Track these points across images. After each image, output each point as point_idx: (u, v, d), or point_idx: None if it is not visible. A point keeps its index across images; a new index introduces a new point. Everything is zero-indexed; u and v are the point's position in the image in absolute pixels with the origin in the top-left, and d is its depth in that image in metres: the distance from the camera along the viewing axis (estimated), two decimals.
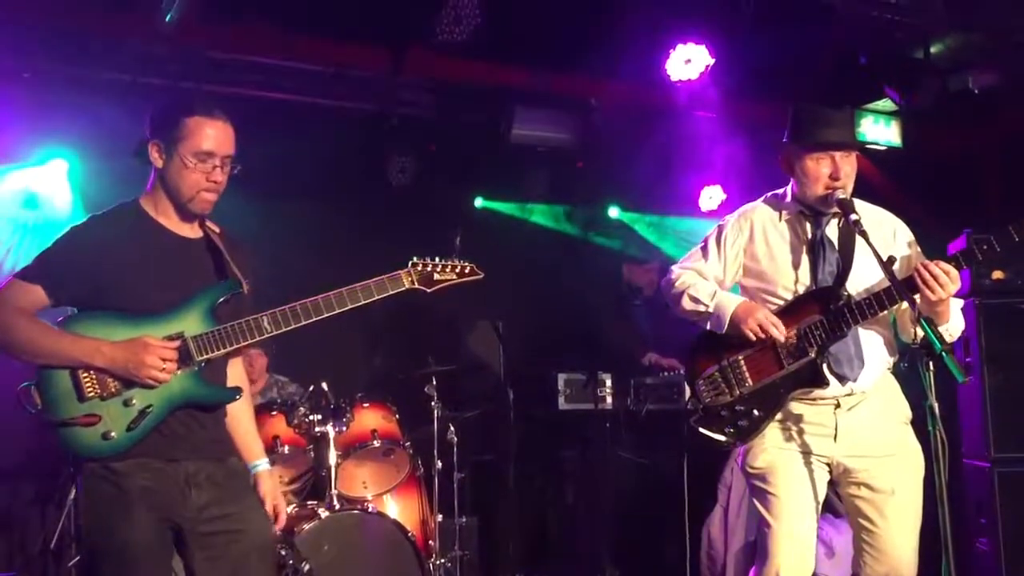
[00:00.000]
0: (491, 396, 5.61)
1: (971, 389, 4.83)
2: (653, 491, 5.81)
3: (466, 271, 3.13)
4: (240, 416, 3.07)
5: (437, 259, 3.09)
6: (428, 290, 3.05)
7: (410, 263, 3.05)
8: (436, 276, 3.07)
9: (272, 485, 3.09)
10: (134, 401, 2.72)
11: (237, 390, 2.95)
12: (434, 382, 5.26)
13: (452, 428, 5.34)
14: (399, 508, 5.28)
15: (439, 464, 5.22)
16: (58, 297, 2.77)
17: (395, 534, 4.69)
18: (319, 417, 4.78)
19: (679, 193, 6.92)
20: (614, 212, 7.30)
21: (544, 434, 6.03)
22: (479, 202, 6.95)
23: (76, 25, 5.08)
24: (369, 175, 6.28)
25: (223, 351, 2.82)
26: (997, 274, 4.86)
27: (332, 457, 4.74)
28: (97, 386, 2.71)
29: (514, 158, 6.36)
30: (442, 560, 5.17)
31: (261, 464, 3.09)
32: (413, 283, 3.03)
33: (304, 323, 2.87)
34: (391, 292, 2.98)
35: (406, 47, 5.56)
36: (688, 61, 5.42)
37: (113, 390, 2.72)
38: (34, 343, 2.71)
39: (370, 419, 5.04)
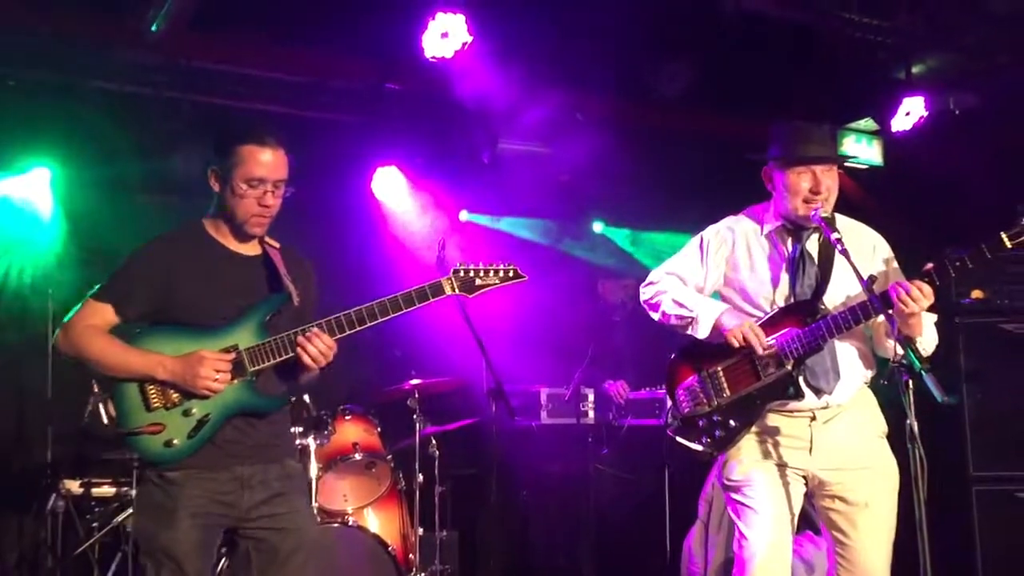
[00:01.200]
0: (473, 410, 5.60)
1: (951, 407, 4.86)
2: (634, 506, 5.81)
3: (510, 275, 3.16)
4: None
5: (479, 265, 3.12)
6: (470, 296, 3.10)
7: (452, 270, 3.09)
8: (478, 282, 3.11)
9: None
10: (194, 411, 2.94)
11: (286, 397, 3.17)
12: (416, 395, 5.25)
13: (434, 442, 5.33)
14: (380, 522, 5.26)
15: (420, 478, 5.20)
16: (126, 315, 3.00)
17: (375, 548, 4.68)
18: (300, 429, 4.77)
19: (663, 209, 6.94)
20: (598, 227, 7.33)
21: (526, 448, 6.01)
22: (463, 215, 6.96)
23: (62, 33, 5.06)
24: (353, 186, 6.29)
25: (273, 361, 2.98)
26: (977, 293, 4.91)
27: (313, 470, 4.72)
28: (161, 397, 2.94)
29: (499, 171, 6.37)
30: (422, 574, 5.15)
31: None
32: (455, 290, 3.08)
33: (349, 332, 2.99)
34: (432, 299, 3.05)
35: (392, 58, 5.56)
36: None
37: (175, 401, 2.94)
38: (105, 358, 2.95)
39: (352, 432, 5.03)
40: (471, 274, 3.10)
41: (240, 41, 5.40)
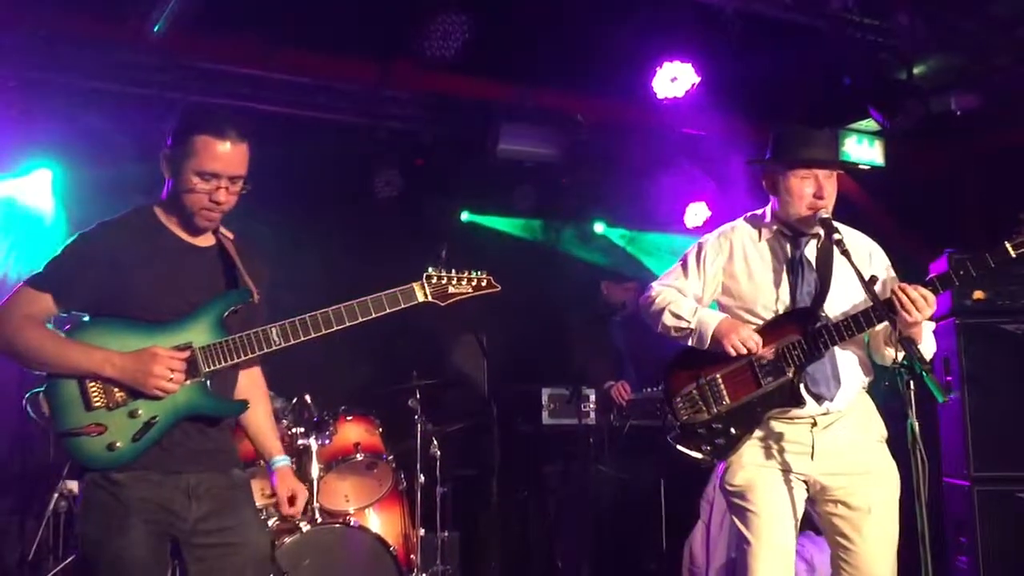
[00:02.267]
0: (474, 410, 5.61)
1: (951, 408, 4.86)
2: (635, 507, 5.81)
3: (483, 284, 3.01)
4: (257, 414, 3.05)
5: (452, 271, 2.97)
6: (442, 304, 2.95)
7: (424, 275, 2.93)
8: (451, 289, 2.96)
9: (289, 476, 3.10)
10: (140, 412, 2.70)
11: (243, 403, 2.92)
12: (418, 396, 5.26)
13: (435, 442, 5.33)
14: (381, 522, 5.26)
15: (422, 478, 5.21)
16: (67, 304, 2.75)
17: (377, 548, 4.67)
18: (302, 430, 4.77)
19: (664, 210, 6.95)
20: (599, 228, 7.33)
21: (527, 449, 6.02)
22: (465, 216, 6.96)
23: (63, 34, 5.07)
24: (355, 188, 6.29)
25: (230, 363, 2.79)
26: (978, 294, 4.90)
27: (315, 470, 4.72)
28: (104, 396, 2.69)
29: (500, 173, 6.38)
30: (424, 575, 5.16)
31: (280, 460, 3.09)
32: (427, 296, 2.92)
33: (314, 336, 2.81)
34: (404, 305, 2.89)
35: (393, 60, 5.58)
36: (674, 79, 5.47)
37: (119, 400, 2.69)
38: (43, 352, 2.69)
39: (353, 432, 5.03)
40: (443, 281, 2.94)
41: (241, 41, 5.41)
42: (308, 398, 4.91)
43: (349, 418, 5.07)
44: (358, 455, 4.94)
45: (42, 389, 2.73)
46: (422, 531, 5.23)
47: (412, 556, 5.15)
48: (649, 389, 5.81)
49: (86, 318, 2.77)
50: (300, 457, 4.76)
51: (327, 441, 4.82)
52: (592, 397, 5.94)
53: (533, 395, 6.00)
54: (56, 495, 4.95)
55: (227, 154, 2.75)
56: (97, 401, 2.69)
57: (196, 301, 2.80)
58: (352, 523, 4.77)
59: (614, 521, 5.96)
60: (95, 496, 2.70)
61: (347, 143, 6.10)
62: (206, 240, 2.91)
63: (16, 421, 5.52)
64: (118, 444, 2.68)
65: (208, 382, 2.78)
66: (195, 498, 2.77)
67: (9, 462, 5.51)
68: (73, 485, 4.96)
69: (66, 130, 5.38)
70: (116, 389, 2.69)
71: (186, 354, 2.73)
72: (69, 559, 4.89)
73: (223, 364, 2.77)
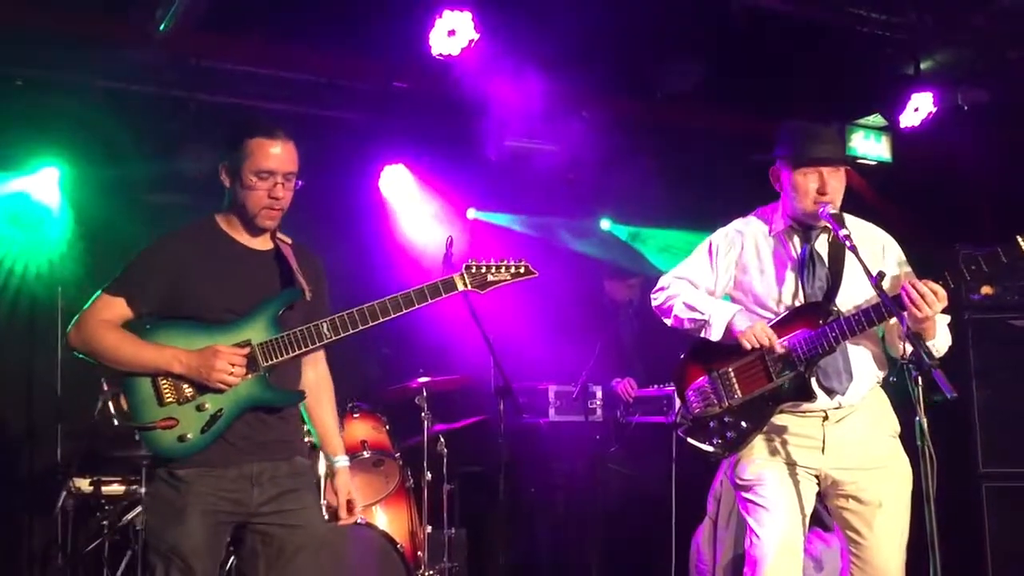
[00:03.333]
0: (481, 408, 5.60)
1: (960, 404, 4.85)
2: (642, 503, 5.80)
3: (521, 271, 3.16)
4: (321, 411, 3.25)
5: (491, 261, 3.12)
6: (482, 292, 3.11)
7: (464, 266, 3.10)
8: (491, 277, 3.11)
9: (346, 480, 3.24)
10: (207, 405, 2.93)
11: (301, 394, 3.11)
12: (424, 393, 5.26)
13: (442, 439, 5.33)
14: (388, 519, 5.27)
15: (429, 475, 5.21)
16: (139, 309, 2.98)
17: (384, 545, 4.68)
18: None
19: (670, 206, 6.94)
20: (605, 224, 7.32)
21: (534, 446, 6.01)
22: (471, 213, 6.96)
23: (69, 33, 5.07)
24: (361, 185, 6.29)
25: (286, 356, 2.98)
26: (986, 289, 4.89)
27: (322, 467, 4.72)
28: (174, 392, 2.93)
29: (507, 169, 6.37)
30: (431, 572, 5.16)
31: (340, 460, 3.25)
32: (467, 286, 3.08)
33: (361, 328, 2.99)
34: (444, 295, 3.06)
35: (398, 56, 5.57)
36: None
37: (188, 395, 2.92)
38: (118, 352, 2.93)
39: (360, 430, 5.04)
40: (483, 270, 3.11)
41: (247, 40, 5.41)
42: None
43: (356, 416, 5.08)
44: (365, 452, 4.95)
45: (120, 390, 2.98)
46: (429, 528, 5.23)
47: (419, 553, 5.16)
48: (655, 386, 5.80)
49: (156, 320, 2.99)
50: (308, 454, 4.76)
51: None
52: (598, 394, 5.94)
53: (540, 392, 6.00)
54: (64, 493, 4.96)
55: (279, 153, 2.99)
56: (168, 397, 2.92)
57: (254, 301, 3.01)
58: (359, 520, 4.77)
59: (621, 517, 5.95)
60: (159, 490, 2.95)
61: (353, 139, 6.10)
62: (264, 244, 3.12)
63: (23, 420, 5.54)
64: (189, 436, 2.91)
65: (268, 376, 2.98)
66: (257, 485, 2.96)
67: (18, 460, 5.52)
68: (82, 483, 4.98)
69: (73, 129, 5.39)
70: (185, 385, 2.92)
71: (246, 350, 2.93)
72: (80, 555, 4.91)
73: (280, 358, 2.97)
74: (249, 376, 2.94)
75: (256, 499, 2.96)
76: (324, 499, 4.66)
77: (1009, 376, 4.83)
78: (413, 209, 6.62)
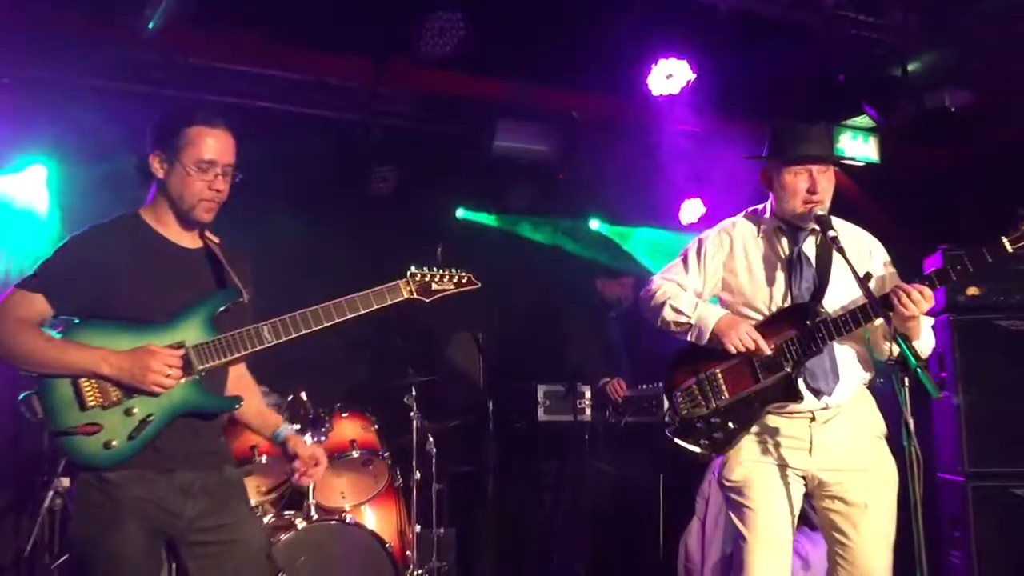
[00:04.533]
0: (470, 407, 5.61)
1: (946, 404, 4.87)
2: (631, 503, 5.82)
3: (463, 281, 3.13)
4: (250, 405, 3.09)
5: (435, 268, 3.07)
6: (427, 300, 3.05)
7: (408, 273, 3.03)
8: (435, 286, 3.06)
9: (299, 440, 3.10)
10: (135, 410, 2.75)
11: (237, 399, 2.98)
12: (413, 392, 5.26)
13: (431, 439, 5.33)
14: (377, 519, 5.26)
15: (417, 475, 5.21)
16: (61, 307, 2.78)
17: (373, 545, 4.68)
18: (297, 427, 4.76)
19: (659, 206, 6.95)
20: (595, 224, 7.33)
21: (523, 445, 6.02)
22: (461, 213, 6.96)
23: (57, 30, 5.05)
24: (350, 185, 6.28)
25: (224, 360, 2.84)
26: (972, 290, 4.91)
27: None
28: (99, 395, 2.73)
29: (496, 169, 6.37)
30: (419, 571, 5.16)
31: (286, 429, 3.12)
32: (412, 293, 3.02)
33: (304, 333, 2.88)
34: (390, 302, 2.98)
35: (389, 57, 5.57)
36: (669, 76, 5.48)
37: (115, 399, 2.74)
38: (38, 353, 2.73)
39: (349, 429, 5.03)
40: (427, 278, 3.05)
41: (236, 38, 5.39)
42: (304, 395, 4.90)
43: (345, 415, 5.07)
44: (354, 452, 4.94)
45: (35, 391, 2.76)
46: (418, 528, 5.23)
47: (408, 553, 5.16)
48: (644, 386, 5.81)
49: (77, 320, 2.80)
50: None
51: (323, 438, 4.82)
52: (587, 394, 5.94)
53: (529, 392, 6.01)
54: (51, 492, 4.94)
55: (220, 143, 2.86)
56: (92, 400, 2.72)
57: (186, 301, 2.86)
58: (348, 520, 4.78)
59: (610, 517, 5.97)
60: (88, 496, 2.74)
61: (342, 140, 6.10)
62: (194, 242, 2.98)
63: (9, 419, 5.51)
64: (114, 442, 2.72)
65: (202, 380, 2.83)
66: (190, 496, 2.81)
67: (2, 460, 5.49)
68: (68, 482, 4.96)
69: (60, 127, 5.36)
70: (112, 388, 2.73)
71: (181, 352, 2.78)
72: (64, 557, 4.88)
73: (217, 361, 2.83)
74: (183, 380, 2.78)
75: (188, 512, 2.80)
76: (313, 499, 4.69)
77: (995, 376, 4.85)
78: (403, 209, 6.60)
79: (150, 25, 4.93)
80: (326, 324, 2.90)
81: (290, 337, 2.88)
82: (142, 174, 2.93)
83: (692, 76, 5.43)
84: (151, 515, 2.75)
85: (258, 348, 2.87)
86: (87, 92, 5.33)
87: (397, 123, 6.10)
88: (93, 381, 2.73)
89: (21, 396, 2.77)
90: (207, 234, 3.00)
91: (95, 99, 5.32)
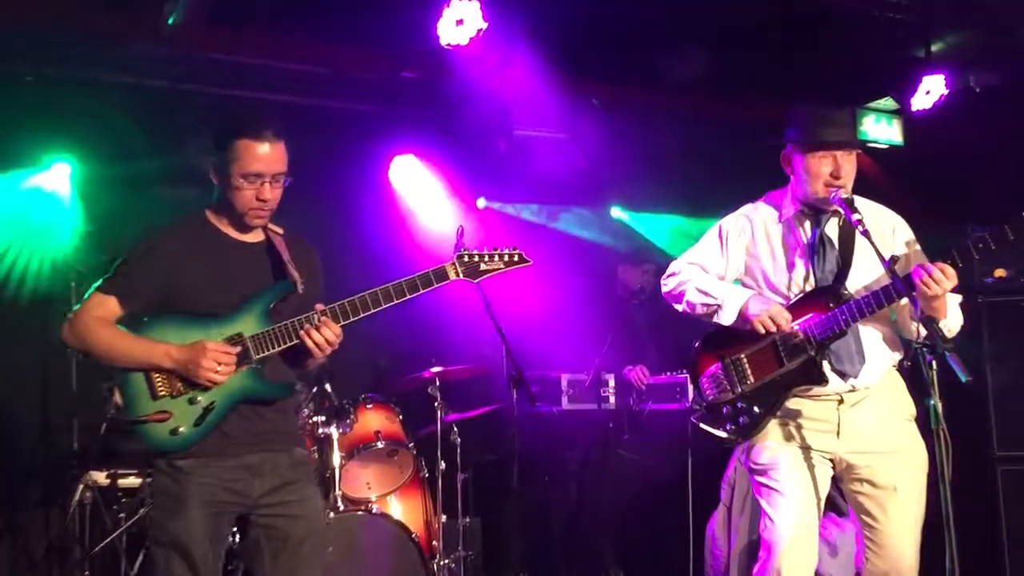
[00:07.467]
0: (494, 397, 5.60)
1: (975, 386, 4.83)
2: (656, 491, 5.80)
3: (515, 258, 3.13)
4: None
5: (484, 249, 3.10)
6: (474, 281, 3.08)
7: (455, 255, 3.07)
8: (483, 266, 3.09)
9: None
10: (199, 399, 2.94)
11: (292, 385, 3.14)
12: (437, 383, 5.27)
13: (455, 429, 5.34)
14: (403, 509, 5.28)
15: (443, 465, 5.22)
16: (131, 307, 3.00)
17: (399, 535, 4.70)
18: (323, 418, 4.79)
19: (681, 194, 6.92)
20: (616, 212, 7.31)
21: (547, 434, 6.02)
22: (481, 202, 6.95)
23: (78, 28, 5.08)
24: (371, 176, 6.29)
25: (278, 348, 2.98)
26: (1000, 272, 4.87)
27: (336, 458, 4.74)
28: (167, 385, 2.94)
29: (516, 158, 6.36)
30: (446, 561, 5.18)
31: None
32: (459, 275, 3.06)
33: (353, 319, 2.98)
34: (436, 285, 3.03)
35: (407, 47, 5.56)
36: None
37: (181, 389, 2.94)
38: (111, 348, 2.96)
39: (374, 420, 5.05)
40: (475, 259, 3.08)
41: (256, 33, 5.41)
42: (328, 386, 4.92)
43: (369, 406, 5.09)
44: (379, 443, 4.96)
45: (116, 383, 3.03)
46: (444, 517, 5.25)
47: (434, 542, 5.17)
48: (668, 373, 5.80)
49: (145, 319, 3.00)
50: (321, 445, 4.79)
51: (348, 429, 4.84)
52: (611, 382, 5.93)
53: (552, 380, 6.00)
54: (81, 486, 4.99)
55: (267, 155, 2.96)
56: (162, 390, 2.94)
57: (246, 294, 3.01)
58: (374, 510, 4.80)
59: (636, 505, 5.96)
60: (160, 482, 2.97)
61: (363, 131, 6.10)
62: (255, 236, 3.11)
63: (36, 414, 5.57)
64: (181, 429, 2.92)
65: (261, 368, 2.98)
66: (258, 476, 2.99)
67: (34, 454, 5.55)
68: (98, 476, 5.01)
69: (84, 123, 5.40)
70: (177, 379, 2.94)
71: (236, 347, 2.94)
72: (97, 547, 4.94)
73: (272, 350, 2.97)
74: (241, 369, 2.95)
75: (257, 490, 2.98)
76: (339, 490, 4.71)
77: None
78: (423, 200, 6.61)
79: (170, 21, 4.95)
80: (375, 310, 2.98)
81: (340, 324, 2.97)
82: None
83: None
84: (217, 497, 2.92)
85: None
86: (109, 88, 5.36)
87: (416, 113, 6.09)
88: (162, 373, 2.93)
89: (104, 386, 3.04)
90: (270, 226, 3.11)
91: (117, 95, 5.36)
